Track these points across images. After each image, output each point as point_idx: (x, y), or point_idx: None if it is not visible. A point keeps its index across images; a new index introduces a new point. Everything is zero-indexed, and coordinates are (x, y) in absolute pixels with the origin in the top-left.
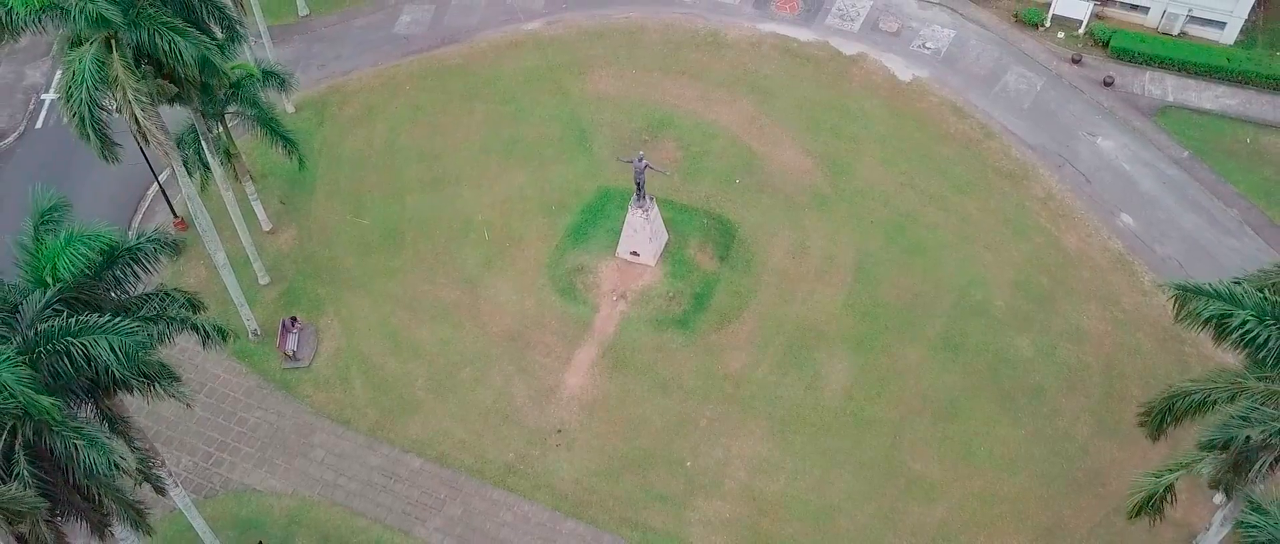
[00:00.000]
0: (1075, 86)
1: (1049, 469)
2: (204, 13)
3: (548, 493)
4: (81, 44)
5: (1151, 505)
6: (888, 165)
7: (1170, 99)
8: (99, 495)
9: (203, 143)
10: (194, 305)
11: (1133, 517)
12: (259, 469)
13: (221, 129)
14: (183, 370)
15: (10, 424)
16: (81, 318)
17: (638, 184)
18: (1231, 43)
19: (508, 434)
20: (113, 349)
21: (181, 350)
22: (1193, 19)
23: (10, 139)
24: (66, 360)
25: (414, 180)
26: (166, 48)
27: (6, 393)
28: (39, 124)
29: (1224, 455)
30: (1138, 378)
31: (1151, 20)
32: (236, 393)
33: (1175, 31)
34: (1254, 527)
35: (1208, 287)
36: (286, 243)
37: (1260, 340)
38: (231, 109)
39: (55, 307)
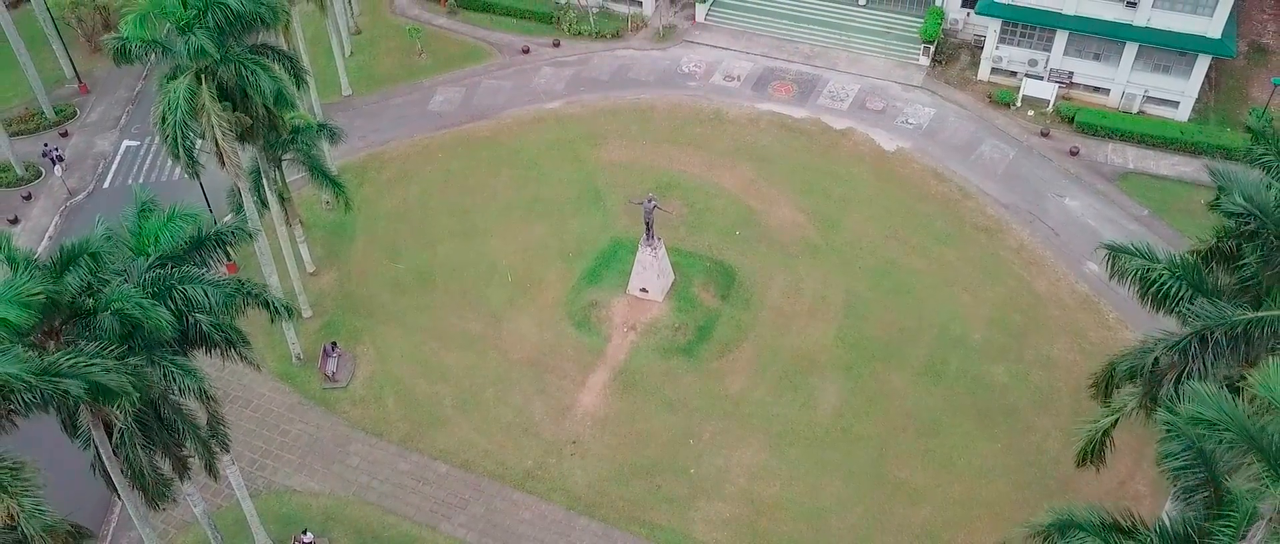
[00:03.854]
0: (1044, 156)
1: (1023, 477)
2: (276, 60)
3: (563, 495)
4: (176, 78)
5: (1093, 451)
6: (874, 221)
7: (1131, 166)
8: (182, 430)
9: (263, 180)
10: (264, 293)
11: (1079, 464)
12: (299, 473)
13: (278, 173)
14: (232, 388)
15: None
16: (181, 269)
17: (647, 224)
18: (1185, 119)
19: (527, 445)
20: (206, 294)
21: (231, 373)
22: (1149, 99)
23: (81, 197)
24: (169, 299)
25: (444, 232)
26: (250, 78)
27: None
28: (106, 184)
29: (1140, 385)
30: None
31: (1112, 100)
32: (279, 409)
33: (1134, 110)
34: (1170, 423)
35: (1130, 246)
36: (328, 283)
37: (1173, 293)
38: (288, 155)
39: (156, 269)
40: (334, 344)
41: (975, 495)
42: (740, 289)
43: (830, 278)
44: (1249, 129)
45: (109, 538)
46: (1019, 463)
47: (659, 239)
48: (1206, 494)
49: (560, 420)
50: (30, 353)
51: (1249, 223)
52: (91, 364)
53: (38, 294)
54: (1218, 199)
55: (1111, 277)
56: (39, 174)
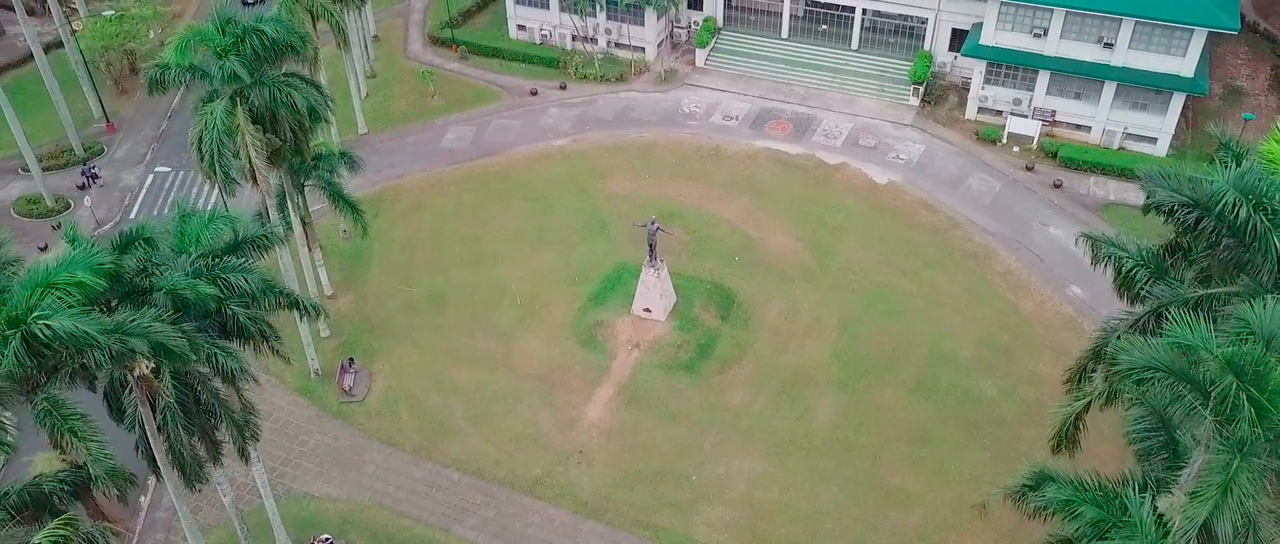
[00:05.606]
0: (1029, 188)
1: (1011, 483)
2: (305, 84)
3: (570, 500)
4: (212, 100)
5: (1066, 436)
6: (867, 248)
7: (1112, 198)
8: (218, 414)
9: (288, 203)
10: (293, 293)
11: (1055, 451)
12: (318, 480)
13: (301, 198)
14: (254, 402)
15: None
16: (223, 260)
17: (650, 246)
18: (1164, 155)
19: (535, 454)
20: (246, 280)
21: (252, 388)
22: (1129, 136)
23: (108, 226)
24: (215, 285)
25: (456, 259)
26: (283, 98)
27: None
28: (132, 214)
29: (1103, 364)
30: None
31: (1094, 137)
32: (299, 421)
33: (1114, 146)
34: (1121, 366)
35: (1105, 237)
36: (345, 305)
37: (1138, 277)
38: (310, 181)
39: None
40: (351, 360)
41: (966, 501)
42: (739, 310)
43: (826, 300)
44: (1219, 142)
45: (135, 540)
46: (1007, 470)
47: (662, 261)
48: (1165, 456)
49: (567, 432)
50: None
51: (1188, 214)
52: (152, 326)
53: (107, 264)
54: (1149, 198)
55: (1094, 261)
56: (67, 205)
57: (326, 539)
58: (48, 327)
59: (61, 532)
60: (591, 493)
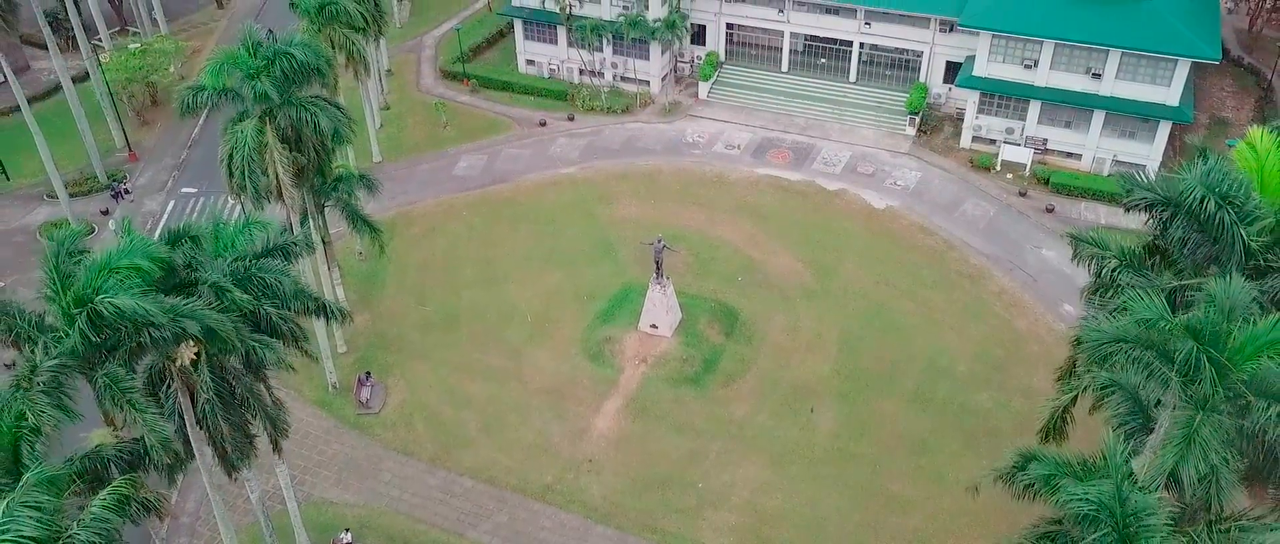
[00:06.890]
0: (1022, 213)
1: (1008, 490)
2: (329, 106)
3: (581, 506)
4: (242, 120)
5: (1056, 427)
6: (866, 269)
7: (1102, 221)
8: (253, 407)
9: (310, 221)
10: (320, 297)
11: (1043, 440)
12: (336, 487)
13: (322, 219)
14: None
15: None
16: (259, 261)
17: (656, 263)
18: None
19: (546, 462)
20: (279, 281)
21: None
22: (1118, 162)
23: None
24: (249, 286)
25: (468, 279)
26: (309, 119)
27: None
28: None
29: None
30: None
31: (1084, 164)
32: (317, 432)
33: (1104, 172)
34: (1087, 337)
35: (1087, 234)
36: (361, 323)
37: (1120, 277)
38: (330, 202)
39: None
40: (367, 374)
41: (963, 506)
42: (743, 327)
43: (826, 318)
44: (1196, 150)
45: (163, 537)
46: None
47: (667, 279)
48: (1143, 438)
49: (577, 441)
50: None
51: (1164, 210)
52: (200, 312)
53: (161, 254)
54: (1129, 195)
55: (1074, 258)
56: (92, 230)
57: (348, 533)
58: (113, 305)
59: (125, 489)
60: (601, 499)
